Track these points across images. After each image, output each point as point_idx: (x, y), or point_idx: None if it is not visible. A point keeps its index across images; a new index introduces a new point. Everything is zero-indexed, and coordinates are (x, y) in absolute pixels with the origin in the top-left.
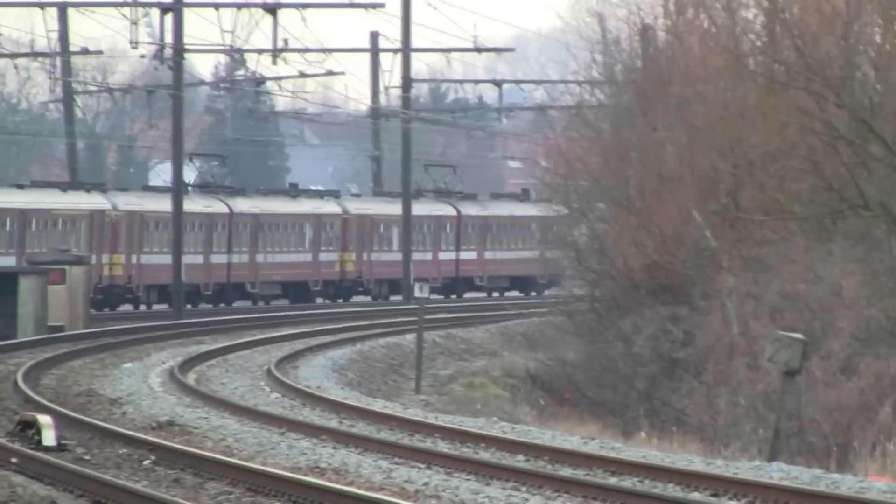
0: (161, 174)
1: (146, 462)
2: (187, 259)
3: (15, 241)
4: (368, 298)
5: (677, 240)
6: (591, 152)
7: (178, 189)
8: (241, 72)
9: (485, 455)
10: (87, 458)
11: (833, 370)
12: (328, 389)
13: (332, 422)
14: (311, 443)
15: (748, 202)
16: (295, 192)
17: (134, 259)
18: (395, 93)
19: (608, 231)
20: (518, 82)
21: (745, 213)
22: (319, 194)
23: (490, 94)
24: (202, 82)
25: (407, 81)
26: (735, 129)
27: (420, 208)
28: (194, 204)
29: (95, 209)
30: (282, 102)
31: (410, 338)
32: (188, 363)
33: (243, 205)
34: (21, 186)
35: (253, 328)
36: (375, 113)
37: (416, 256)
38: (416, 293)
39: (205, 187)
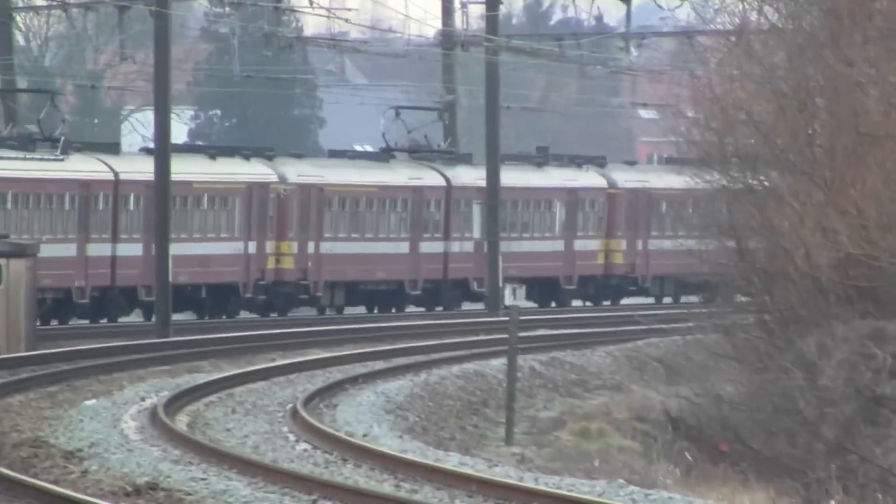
0: (137, 127)
1: None
2: (387, 248)
3: (141, 223)
4: (645, 300)
5: (883, 224)
6: (759, 98)
7: (163, 148)
8: None
9: None
10: None
11: None
12: (379, 438)
13: (386, 485)
14: None
15: None
16: (542, 157)
17: (311, 247)
18: (477, 11)
19: (784, 211)
20: None
21: None
22: (575, 161)
23: (613, 14)
24: None
25: None
26: None
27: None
28: (396, 174)
29: (256, 181)
30: (313, 25)
31: (497, 364)
32: (177, 400)
33: (465, 175)
34: (152, 151)
35: (270, 350)
36: (448, 40)
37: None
38: (507, 300)
39: (415, 152)
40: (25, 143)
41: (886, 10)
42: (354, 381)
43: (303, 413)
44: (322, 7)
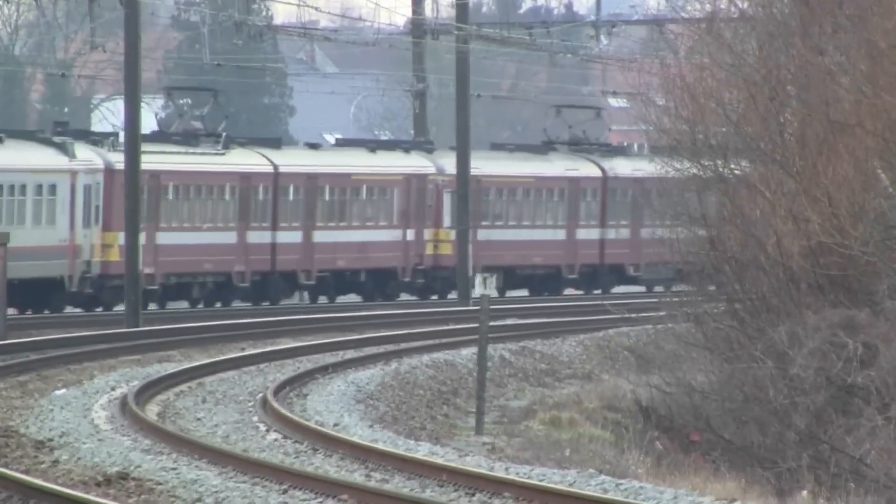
0: (109, 116)
1: None
2: (543, 235)
3: (300, 212)
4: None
5: (855, 212)
6: (730, 86)
7: (134, 137)
8: None
9: None
10: None
11: None
12: (350, 428)
13: (357, 475)
14: None
15: None
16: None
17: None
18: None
19: (755, 200)
20: None
21: None
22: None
23: (583, 2)
24: None
25: None
26: None
27: (551, 166)
28: (553, 166)
29: (415, 173)
30: (283, 13)
31: (468, 354)
32: (148, 389)
33: (621, 167)
34: (314, 146)
35: (241, 339)
36: (418, 28)
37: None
38: (478, 289)
39: (575, 145)
40: (189, 139)
41: None
42: (324, 370)
43: (273, 403)
44: None
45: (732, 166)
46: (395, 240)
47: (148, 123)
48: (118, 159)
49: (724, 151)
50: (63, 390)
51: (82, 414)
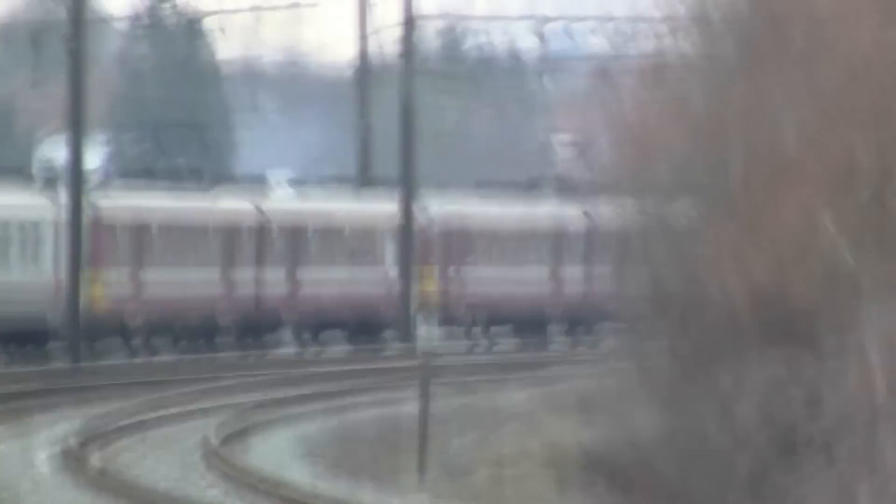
0: (52, 153)
1: None
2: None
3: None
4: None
5: (798, 255)
6: (674, 127)
7: (76, 179)
8: (167, 3)
9: None
10: None
11: None
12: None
13: None
14: None
15: None
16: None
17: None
18: (392, 37)
19: (699, 243)
20: (568, 21)
21: None
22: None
23: (528, 41)
24: (111, 19)
25: (409, 21)
26: (885, 92)
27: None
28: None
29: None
30: (227, 51)
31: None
32: (92, 438)
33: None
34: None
35: (162, 384)
36: (363, 69)
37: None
38: (422, 335)
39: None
40: (175, 179)
41: (802, 36)
42: (269, 423)
43: (220, 451)
44: (236, 34)
45: (677, 208)
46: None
47: (91, 159)
48: (102, 202)
49: (668, 193)
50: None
51: (22, 464)
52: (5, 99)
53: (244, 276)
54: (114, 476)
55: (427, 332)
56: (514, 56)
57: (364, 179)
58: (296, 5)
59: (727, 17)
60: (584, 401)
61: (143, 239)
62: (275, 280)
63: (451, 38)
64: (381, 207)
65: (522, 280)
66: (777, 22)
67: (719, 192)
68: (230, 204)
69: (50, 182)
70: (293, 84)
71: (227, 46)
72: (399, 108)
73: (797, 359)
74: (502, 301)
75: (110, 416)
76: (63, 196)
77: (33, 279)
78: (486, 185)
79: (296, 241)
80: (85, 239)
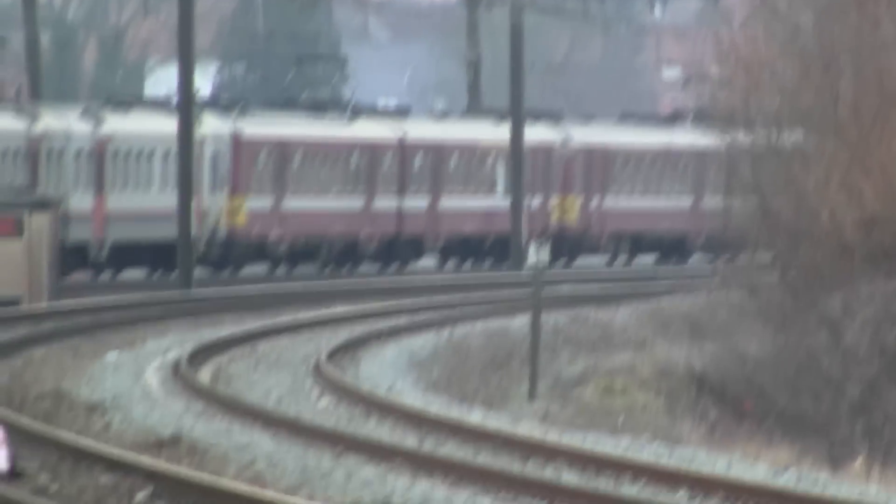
0: (161, 82)
1: (140, 496)
2: (667, 203)
3: (426, 179)
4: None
5: None
6: (785, 57)
7: (187, 103)
8: None
9: (630, 491)
10: (53, 489)
11: None
12: (403, 393)
13: (410, 440)
14: (379, 470)
15: None
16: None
17: (594, 203)
18: None
19: (809, 171)
20: None
21: None
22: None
23: None
24: None
25: None
26: None
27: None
28: (680, 137)
29: (540, 144)
30: None
31: (521, 321)
32: (200, 354)
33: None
34: (442, 115)
35: (293, 304)
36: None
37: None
38: (531, 257)
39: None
40: (317, 108)
41: None
42: (378, 336)
43: (326, 368)
44: None
45: (786, 137)
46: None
47: (202, 88)
48: (245, 127)
49: (777, 122)
50: (115, 354)
51: (134, 377)
52: (117, 27)
53: (386, 202)
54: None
55: (537, 260)
56: None
57: (473, 109)
58: None
59: None
60: (696, 324)
61: (285, 164)
62: (415, 206)
63: None
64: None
65: (664, 209)
66: None
67: (829, 121)
68: (372, 130)
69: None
70: (403, 14)
71: None
72: (509, 38)
73: None
74: (645, 231)
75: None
76: (206, 122)
77: (173, 203)
78: (626, 115)
79: (437, 168)
80: (226, 163)
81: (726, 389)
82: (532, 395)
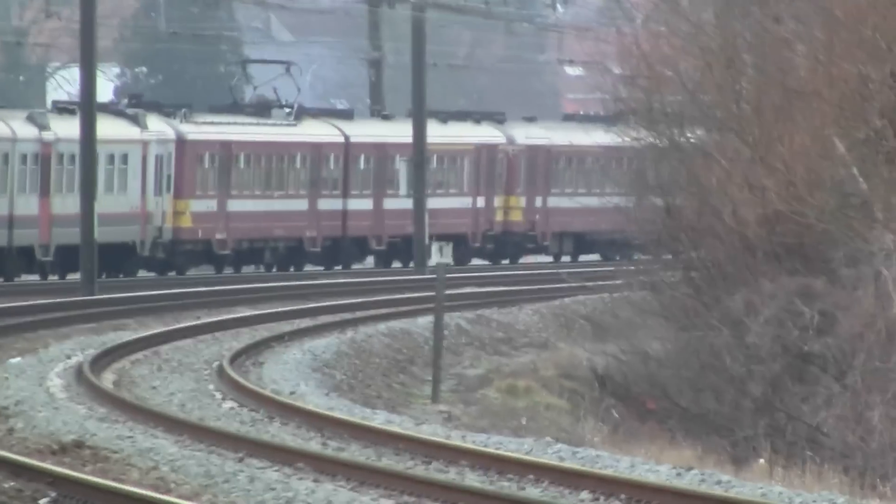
0: (64, 84)
1: (44, 501)
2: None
3: (371, 180)
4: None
5: (811, 181)
6: (687, 54)
7: (88, 105)
8: None
9: (534, 492)
10: None
11: None
12: (306, 396)
13: (313, 443)
14: (283, 474)
15: None
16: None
17: (538, 202)
18: None
19: (711, 168)
20: None
21: None
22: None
23: None
24: None
25: None
26: (894, 21)
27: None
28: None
29: (486, 143)
30: None
31: (424, 322)
32: (103, 357)
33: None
34: (386, 117)
35: (197, 307)
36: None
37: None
38: (434, 257)
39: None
40: (262, 110)
41: None
42: (280, 338)
43: (229, 371)
44: None
45: (688, 135)
46: (466, 207)
47: (103, 91)
48: (190, 130)
49: (680, 120)
50: (18, 359)
51: (37, 382)
52: (18, 29)
53: (329, 202)
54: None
55: (440, 260)
56: None
57: (375, 110)
58: None
59: None
60: (599, 324)
61: (229, 166)
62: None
63: None
64: (466, 133)
65: (605, 207)
66: None
67: (732, 118)
68: (315, 130)
69: (137, 114)
70: (305, 13)
71: None
72: (411, 37)
73: (810, 283)
74: (587, 229)
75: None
76: (151, 125)
77: (121, 208)
78: (569, 116)
79: (380, 170)
80: (170, 167)
81: (629, 389)
82: (435, 396)
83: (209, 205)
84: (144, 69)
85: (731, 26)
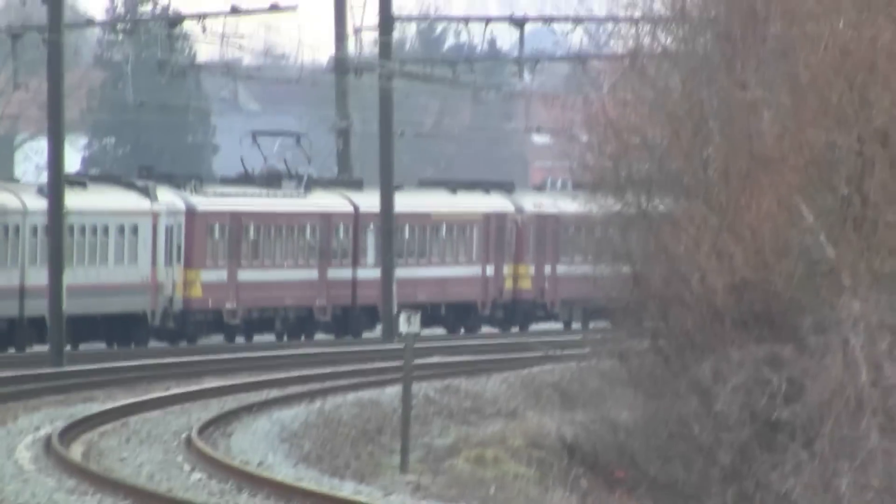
0: (32, 155)
1: None
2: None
3: (377, 250)
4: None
5: (778, 248)
6: (653, 121)
7: (56, 176)
8: (146, 7)
9: None
10: None
11: None
12: (274, 467)
13: None
14: None
15: (880, 193)
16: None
17: (547, 270)
18: (370, 37)
19: (679, 236)
20: (547, 21)
21: (876, 209)
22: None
23: (507, 39)
24: (91, 22)
25: (387, 20)
26: (861, 86)
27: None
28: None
29: (495, 212)
30: (206, 52)
31: (393, 392)
32: (72, 429)
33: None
34: (396, 187)
35: (166, 378)
36: (341, 65)
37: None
38: (403, 327)
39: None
40: (272, 181)
41: (780, 32)
42: (249, 409)
43: (197, 442)
44: (216, 34)
45: (656, 202)
46: (475, 275)
47: (72, 162)
48: (200, 201)
49: (647, 187)
50: None
51: (6, 455)
52: None
53: (339, 271)
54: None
55: (409, 329)
56: (493, 54)
57: (344, 178)
58: (275, 7)
59: (705, 13)
60: (567, 393)
61: (239, 237)
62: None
63: (430, 37)
64: (476, 202)
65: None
66: (754, 15)
67: (699, 185)
68: (324, 201)
69: (147, 185)
70: (273, 85)
71: (206, 49)
72: (378, 107)
73: (778, 351)
74: (594, 294)
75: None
76: (161, 196)
77: (132, 278)
78: (576, 185)
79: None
80: (180, 237)
81: (598, 458)
82: (404, 466)
83: (219, 275)
84: (112, 139)
85: (698, 93)
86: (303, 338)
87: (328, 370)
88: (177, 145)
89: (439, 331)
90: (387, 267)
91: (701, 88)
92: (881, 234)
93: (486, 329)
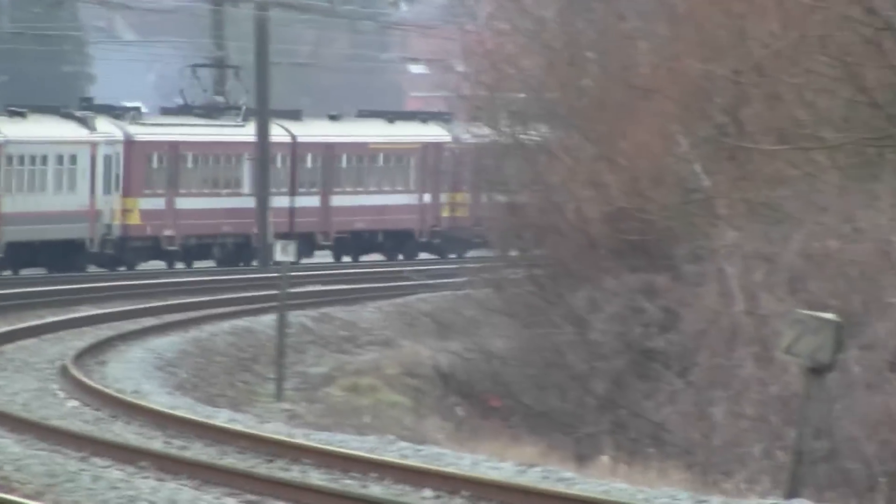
0: None
1: None
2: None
3: (319, 180)
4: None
5: (654, 178)
6: (530, 52)
7: None
8: None
9: (376, 489)
10: None
11: (880, 366)
12: (149, 395)
13: (156, 442)
14: (126, 473)
15: (756, 123)
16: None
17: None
18: None
19: (555, 166)
20: None
21: (751, 140)
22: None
23: None
24: None
25: None
26: (738, 17)
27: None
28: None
29: (432, 142)
30: None
31: (268, 320)
32: None
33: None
34: (333, 117)
35: (40, 307)
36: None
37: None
38: (278, 256)
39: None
40: (211, 112)
41: None
42: (124, 337)
43: (72, 370)
44: None
45: (532, 132)
46: (412, 203)
47: None
48: (138, 131)
49: (523, 117)
50: None
51: None
52: None
53: (277, 199)
54: None
55: (283, 258)
56: None
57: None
58: None
59: None
60: (442, 322)
61: (177, 166)
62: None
63: None
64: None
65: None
66: None
67: (575, 115)
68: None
69: (86, 116)
70: (149, 13)
71: None
72: (254, 38)
73: (653, 280)
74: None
75: None
76: (100, 126)
77: (70, 206)
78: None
79: (328, 168)
80: (119, 166)
81: (473, 387)
82: (279, 395)
83: (157, 203)
84: None
85: (574, 24)
86: (241, 265)
87: (204, 298)
88: (54, 75)
89: (377, 257)
90: (262, 197)
91: (577, 19)
92: (756, 163)
93: (423, 255)
